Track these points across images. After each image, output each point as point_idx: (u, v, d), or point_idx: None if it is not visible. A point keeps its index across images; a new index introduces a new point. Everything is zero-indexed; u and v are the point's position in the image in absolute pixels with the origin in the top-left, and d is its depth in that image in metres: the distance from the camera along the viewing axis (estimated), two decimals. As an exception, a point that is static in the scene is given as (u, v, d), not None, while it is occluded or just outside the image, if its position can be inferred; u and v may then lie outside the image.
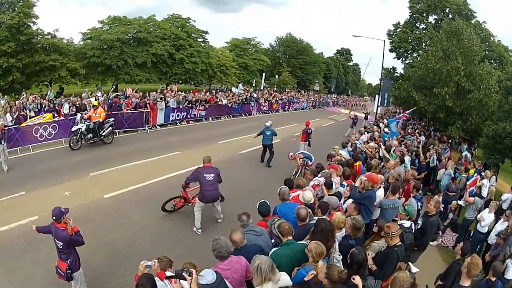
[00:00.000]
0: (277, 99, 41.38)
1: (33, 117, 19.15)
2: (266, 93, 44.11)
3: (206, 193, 10.45)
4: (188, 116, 27.14)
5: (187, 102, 27.24)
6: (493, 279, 7.32)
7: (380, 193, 8.92)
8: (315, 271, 4.96)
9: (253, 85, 59.65)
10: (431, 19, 44.36)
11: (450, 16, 41.15)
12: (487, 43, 39.95)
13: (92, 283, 8.30)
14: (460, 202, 13.06)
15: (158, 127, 24.24)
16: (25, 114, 19.33)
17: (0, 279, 8.26)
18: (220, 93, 35.99)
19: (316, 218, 6.87)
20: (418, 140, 24.56)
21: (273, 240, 6.59)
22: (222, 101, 31.25)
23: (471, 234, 12.05)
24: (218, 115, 30.59)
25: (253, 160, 18.32)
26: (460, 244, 7.77)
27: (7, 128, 16.20)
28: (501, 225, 10.71)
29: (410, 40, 45.26)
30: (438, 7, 42.12)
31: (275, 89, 55.82)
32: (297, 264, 5.46)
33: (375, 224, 7.47)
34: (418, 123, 37.72)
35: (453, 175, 15.96)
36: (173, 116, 25.63)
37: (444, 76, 28.76)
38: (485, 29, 41.56)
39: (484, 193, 13.81)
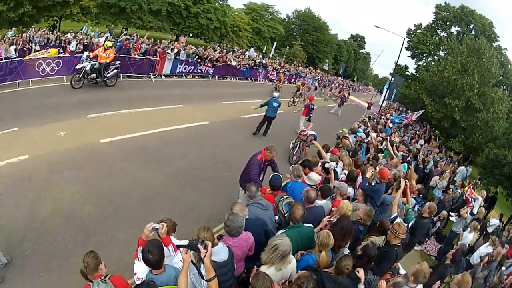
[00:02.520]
0: (285, 70, 40.58)
1: (37, 51, 18.49)
2: (276, 62, 43.28)
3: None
4: (195, 71, 26.57)
5: (196, 56, 26.63)
6: None
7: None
8: (318, 260, 4.98)
9: (263, 51, 58.70)
10: (453, 29, 44.90)
11: (473, 32, 41.74)
12: (504, 70, 39.80)
13: (78, 234, 7.98)
14: (452, 218, 13.07)
15: (163, 77, 23.67)
16: (30, 48, 18.70)
17: None
18: (230, 53, 35.07)
19: (320, 201, 6.82)
20: (419, 142, 25.10)
21: (276, 217, 6.39)
22: (231, 61, 30.56)
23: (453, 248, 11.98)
24: (225, 75, 30.05)
25: (254, 127, 17.36)
26: (452, 251, 8.33)
27: (10, 60, 15.70)
28: (485, 248, 10.88)
29: (428, 43, 45.65)
30: (464, 21, 42.88)
31: (283, 59, 54.85)
32: (302, 248, 5.39)
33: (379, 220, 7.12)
34: (420, 126, 37.90)
35: (444, 188, 16.45)
36: (180, 68, 25.03)
37: (457, 89, 29.46)
38: (505, 56, 41.49)
39: (475, 210, 13.82)
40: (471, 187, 15.80)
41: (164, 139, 13.70)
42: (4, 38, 18.78)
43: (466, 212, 12.46)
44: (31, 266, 6.89)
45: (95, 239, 7.94)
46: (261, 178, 8.88)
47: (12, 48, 17.29)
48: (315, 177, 7.81)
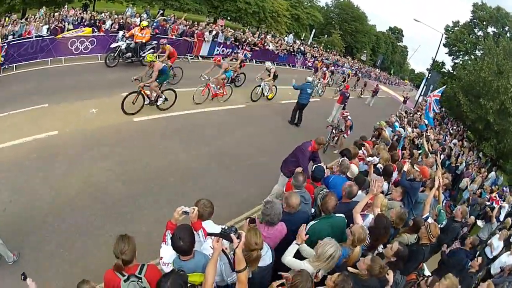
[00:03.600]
0: (324, 58, 39.47)
1: (71, 30, 18.09)
2: (315, 49, 42.32)
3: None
4: (233, 54, 25.48)
5: (234, 39, 25.95)
6: None
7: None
8: (350, 255, 4.73)
9: (302, 38, 57.77)
10: (490, 30, 44.02)
11: (508, 35, 41.17)
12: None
13: (106, 212, 7.74)
14: (479, 223, 12.81)
15: (200, 59, 22.94)
16: (63, 26, 18.25)
17: (2, 197, 7.52)
18: (269, 38, 34.26)
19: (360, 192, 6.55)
20: (452, 142, 25.22)
21: (312, 210, 6.15)
22: (269, 46, 30.02)
23: (477, 254, 11.39)
24: (263, 60, 28.82)
25: (290, 111, 16.59)
26: (479, 259, 8.07)
27: (41, 38, 15.46)
28: (507, 257, 10.31)
29: (465, 42, 44.82)
30: (499, 22, 42.13)
31: (321, 47, 53.97)
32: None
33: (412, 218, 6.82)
34: (452, 125, 37.26)
35: (474, 191, 16.19)
36: (217, 50, 24.37)
37: (493, 91, 28.89)
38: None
39: (502, 216, 13.34)
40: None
41: (199, 120, 13.35)
42: (35, 18, 18.47)
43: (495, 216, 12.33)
44: (52, 243, 6.67)
45: (125, 218, 7.71)
46: None
47: (45, 27, 17.00)
48: (355, 169, 7.70)
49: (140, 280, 3.59)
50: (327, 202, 5.29)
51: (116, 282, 3.55)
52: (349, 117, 13.66)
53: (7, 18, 17.78)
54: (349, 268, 4.41)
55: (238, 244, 3.49)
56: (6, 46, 14.04)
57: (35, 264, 6.19)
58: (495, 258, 10.84)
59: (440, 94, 17.68)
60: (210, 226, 4.33)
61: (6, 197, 7.51)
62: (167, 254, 3.92)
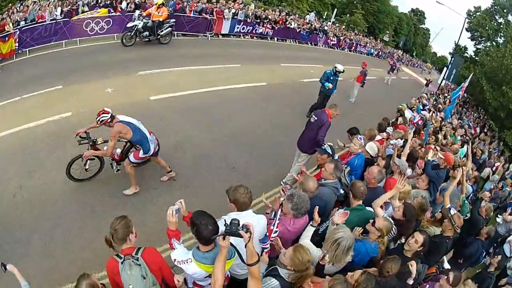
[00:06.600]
0: (346, 38, 39.31)
1: (86, 11, 17.58)
2: (337, 28, 41.50)
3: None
4: (253, 32, 25.27)
5: (254, 17, 25.18)
6: None
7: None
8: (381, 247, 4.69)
9: (323, 17, 56.92)
10: (510, 18, 43.57)
11: None
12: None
13: (117, 192, 7.52)
14: (498, 220, 11.99)
15: (220, 37, 22.29)
16: (77, 8, 17.80)
17: (13, 183, 7.37)
18: (291, 15, 33.45)
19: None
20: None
21: (342, 191, 5.94)
22: (291, 24, 29.20)
23: (496, 251, 11.08)
24: (284, 38, 28.57)
25: (312, 91, 15.31)
26: (498, 257, 7.94)
27: (55, 21, 15.06)
28: None
29: (487, 28, 44.55)
30: None
31: (343, 27, 53.11)
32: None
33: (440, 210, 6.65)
34: (473, 112, 36.63)
35: (496, 182, 15.90)
36: (238, 28, 23.55)
37: None
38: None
39: None
40: None
41: (219, 98, 12.92)
42: (48, 2, 18.10)
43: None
44: (62, 227, 6.59)
45: (135, 199, 7.51)
46: None
47: (58, 9, 16.44)
48: (375, 147, 7.52)
49: (136, 259, 3.59)
50: (356, 187, 5.19)
51: (115, 267, 3.57)
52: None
53: (20, 5, 17.48)
54: (369, 270, 4.15)
55: (249, 238, 3.27)
56: (18, 33, 13.68)
57: (44, 248, 6.10)
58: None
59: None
60: (249, 216, 4.03)
61: (16, 182, 7.31)
62: (180, 253, 3.66)
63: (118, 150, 7.43)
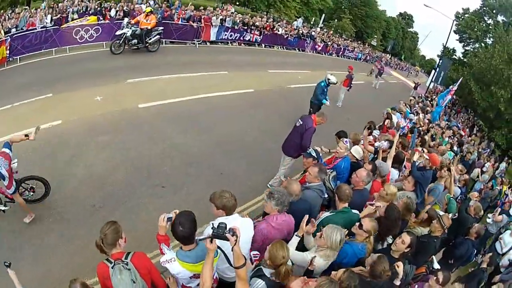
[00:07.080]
0: (334, 43, 39.60)
1: (75, 19, 17.78)
2: (324, 33, 41.81)
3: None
4: (241, 39, 25.38)
5: (242, 24, 25.40)
6: None
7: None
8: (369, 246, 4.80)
9: (311, 23, 57.29)
10: (499, 18, 44.25)
11: None
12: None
13: (108, 201, 7.63)
14: (489, 220, 12.35)
15: (208, 44, 22.41)
16: (67, 16, 17.97)
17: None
18: (279, 22, 33.75)
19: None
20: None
21: (326, 195, 6.02)
22: (279, 30, 29.44)
23: (486, 248, 11.67)
24: (272, 44, 28.79)
25: (300, 96, 16.31)
26: (489, 254, 8.25)
27: (45, 29, 15.22)
28: None
29: (476, 29, 45.42)
30: (508, 11, 42.34)
31: (331, 32, 53.44)
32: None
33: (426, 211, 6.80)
34: (463, 113, 37.51)
35: (485, 182, 16.29)
36: (225, 35, 23.78)
37: (504, 79, 29.26)
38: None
39: None
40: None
41: (207, 105, 13.08)
42: (38, 10, 18.24)
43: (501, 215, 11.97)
44: (55, 232, 6.67)
45: (125, 206, 7.61)
46: None
47: (48, 17, 16.60)
48: (360, 150, 7.63)
49: (126, 264, 3.68)
50: (341, 190, 5.27)
51: (106, 271, 3.63)
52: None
53: (11, 12, 17.57)
54: (354, 269, 4.26)
55: (235, 242, 3.33)
56: (9, 40, 13.80)
57: (35, 254, 6.17)
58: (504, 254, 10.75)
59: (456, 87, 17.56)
60: (236, 220, 4.11)
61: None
62: (166, 255, 3.78)
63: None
